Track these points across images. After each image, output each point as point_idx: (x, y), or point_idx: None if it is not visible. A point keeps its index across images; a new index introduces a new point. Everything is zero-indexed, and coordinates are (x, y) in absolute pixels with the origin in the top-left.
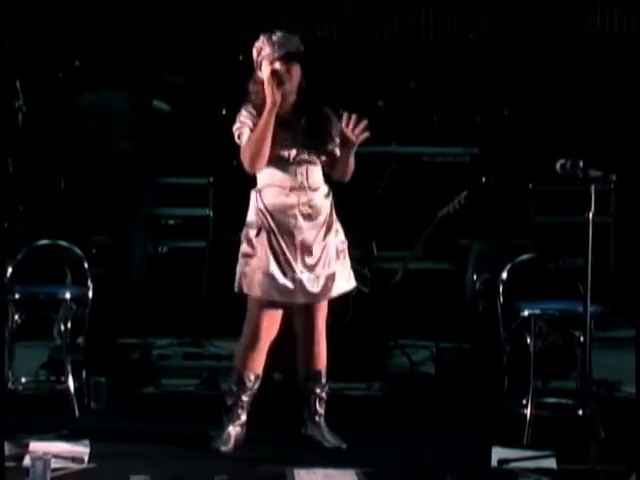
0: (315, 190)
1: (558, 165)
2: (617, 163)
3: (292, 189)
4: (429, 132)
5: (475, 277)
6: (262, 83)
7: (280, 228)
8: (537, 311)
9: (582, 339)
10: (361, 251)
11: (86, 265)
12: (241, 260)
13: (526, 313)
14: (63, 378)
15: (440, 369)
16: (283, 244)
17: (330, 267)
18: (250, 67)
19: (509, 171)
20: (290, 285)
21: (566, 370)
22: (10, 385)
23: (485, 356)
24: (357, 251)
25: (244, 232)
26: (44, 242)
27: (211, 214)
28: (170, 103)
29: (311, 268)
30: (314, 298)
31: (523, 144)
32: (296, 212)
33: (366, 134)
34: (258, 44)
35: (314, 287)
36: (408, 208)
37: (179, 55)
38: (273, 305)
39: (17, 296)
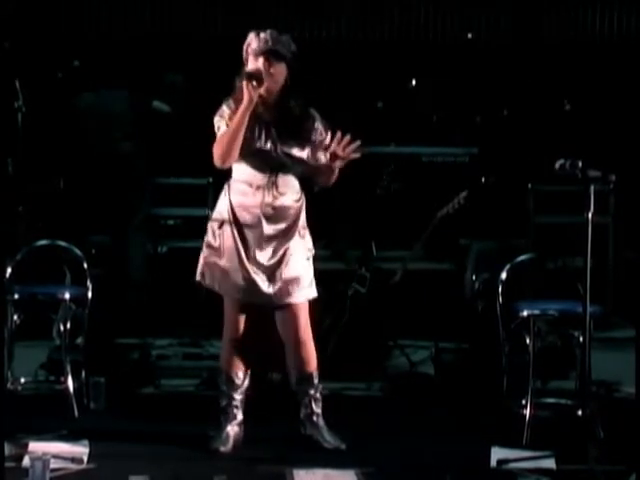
0: (282, 193)
1: (557, 165)
2: (616, 163)
3: (258, 187)
4: (428, 132)
5: (474, 277)
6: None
7: (240, 225)
8: (536, 311)
9: (581, 339)
10: (360, 251)
11: (85, 265)
12: (204, 249)
13: (525, 313)
14: (62, 378)
15: (439, 369)
16: (239, 242)
17: (290, 271)
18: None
19: (509, 171)
20: (242, 282)
21: (565, 370)
22: (9, 385)
23: (484, 356)
24: (356, 251)
25: (210, 223)
26: (43, 242)
27: (211, 214)
28: (170, 103)
29: (266, 269)
30: (269, 300)
31: (522, 144)
32: (258, 211)
33: (356, 155)
34: (247, 39)
35: (269, 288)
36: (408, 208)
37: (179, 55)
38: (241, 303)
39: (16, 296)
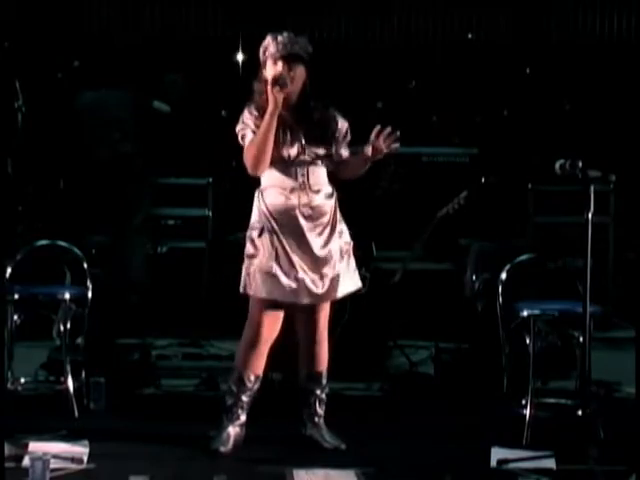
0: (316, 191)
1: (557, 165)
2: (616, 163)
3: (293, 190)
4: (429, 132)
5: (474, 277)
6: (266, 82)
7: (282, 229)
8: (536, 311)
9: (581, 339)
10: (360, 251)
11: (85, 265)
12: (246, 261)
13: (525, 313)
14: (62, 378)
15: (439, 369)
16: (286, 244)
17: (335, 268)
18: (249, 67)
19: (508, 171)
20: (293, 285)
21: (565, 370)
22: (9, 385)
23: (484, 356)
24: (356, 251)
25: (248, 233)
26: (43, 242)
27: (210, 214)
28: (170, 103)
29: (314, 269)
30: (318, 299)
31: (522, 144)
32: (297, 213)
33: (396, 145)
34: (264, 43)
35: (318, 288)
36: (408, 208)
37: (179, 55)
38: (275, 305)
39: (16, 296)
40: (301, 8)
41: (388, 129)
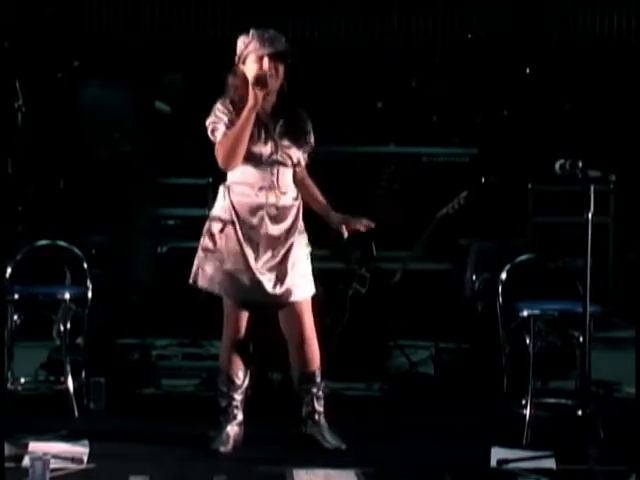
0: (284, 192)
1: (557, 165)
2: (616, 163)
3: (261, 189)
4: (428, 132)
5: (474, 277)
6: (243, 77)
7: (244, 227)
8: (536, 311)
9: (581, 339)
10: (360, 251)
11: (85, 265)
12: (200, 253)
13: (525, 313)
14: (62, 378)
15: (439, 369)
16: (245, 243)
17: (294, 270)
18: None
19: (508, 171)
20: (247, 284)
21: (565, 370)
22: (9, 385)
23: (484, 356)
24: (356, 251)
25: (207, 226)
26: (43, 242)
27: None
28: (170, 103)
29: (272, 269)
30: (276, 299)
31: (522, 144)
32: (263, 213)
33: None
34: (245, 38)
35: (275, 289)
36: (408, 208)
37: (179, 55)
38: (244, 303)
39: (16, 296)
40: (301, 8)
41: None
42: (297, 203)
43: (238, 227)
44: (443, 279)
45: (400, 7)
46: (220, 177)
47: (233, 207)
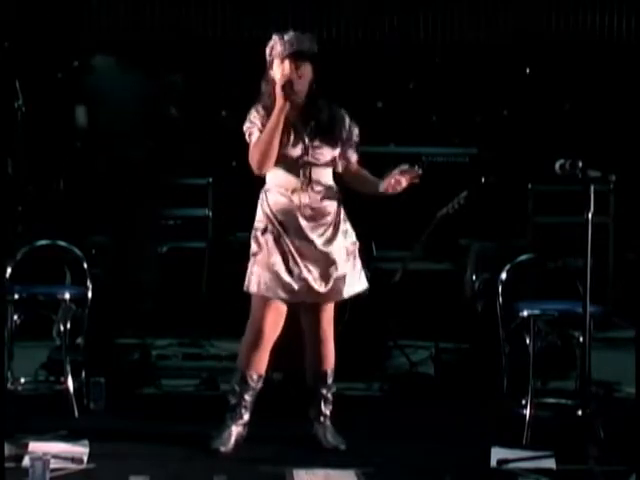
0: (318, 192)
1: (557, 165)
2: (616, 163)
3: (294, 191)
4: (428, 132)
5: (474, 277)
6: (273, 82)
7: (284, 228)
8: (536, 311)
9: (581, 339)
10: (360, 251)
11: (85, 265)
12: (250, 259)
13: (525, 313)
14: (62, 378)
15: (439, 369)
16: (289, 243)
17: (339, 268)
18: (249, 67)
19: (508, 171)
20: (295, 284)
21: (565, 370)
22: (9, 385)
23: (484, 356)
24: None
25: (252, 232)
26: (43, 242)
27: (210, 214)
28: (170, 103)
29: (317, 268)
30: (322, 298)
31: (522, 144)
32: (297, 214)
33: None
34: (270, 43)
35: (321, 287)
36: (408, 208)
37: (179, 55)
38: (277, 304)
39: (16, 296)
40: (301, 8)
41: (415, 169)
42: (335, 202)
43: (278, 229)
44: (443, 279)
45: (400, 7)
46: (220, 177)
47: (271, 210)
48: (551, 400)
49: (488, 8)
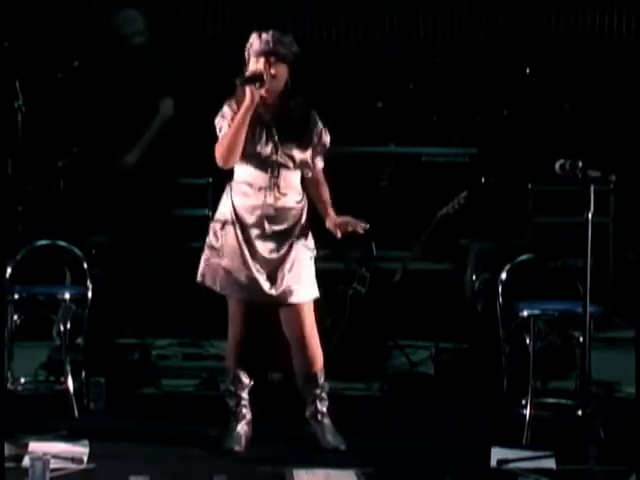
0: (284, 194)
1: (557, 165)
2: (616, 163)
3: (260, 189)
4: (428, 132)
5: (474, 277)
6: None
7: (243, 226)
8: (536, 311)
9: (582, 339)
10: (360, 251)
11: (85, 265)
12: (206, 250)
13: (525, 313)
14: (62, 378)
15: (439, 369)
16: (243, 242)
17: (293, 272)
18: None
19: (508, 171)
20: (245, 282)
21: (565, 370)
22: (9, 385)
23: (484, 356)
24: (356, 251)
25: (212, 224)
26: (43, 242)
27: (210, 214)
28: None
29: (269, 269)
30: (273, 300)
31: (522, 144)
32: (260, 213)
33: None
34: (249, 40)
35: (271, 289)
36: (407, 208)
37: (180, 55)
38: (247, 303)
39: (16, 296)
40: (301, 8)
41: (363, 225)
42: (300, 205)
43: (237, 226)
44: (443, 279)
45: (400, 7)
46: (221, 177)
47: (233, 206)
48: (551, 400)
49: (488, 8)
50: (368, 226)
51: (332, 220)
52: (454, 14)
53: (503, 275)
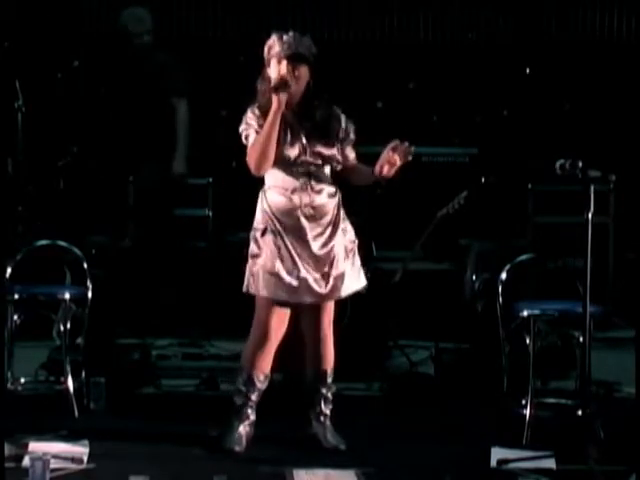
0: (318, 192)
1: (557, 165)
2: (616, 163)
3: (294, 190)
4: (428, 132)
5: (474, 277)
6: (269, 82)
7: (284, 228)
8: (536, 311)
9: (581, 339)
10: (360, 251)
11: (85, 265)
12: (250, 261)
13: (525, 313)
14: (62, 378)
15: (439, 369)
16: (288, 244)
17: (338, 267)
18: (250, 68)
19: (508, 171)
20: (295, 284)
21: (565, 370)
22: (9, 385)
23: (484, 356)
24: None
25: (252, 233)
26: (43, 242)
27: (211, 214)
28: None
29: (317, 268)
30: (322, 298)
31: (522, 144)
32: (298, 213)
33: (409, 157)
34: (269, 42)
35: (321, 287)
36: (408, 208)
37: (179, 55)
38: (281, 305)
39: (16, 296)
40: (301, 8)
41: (405, 144)
42: (335, 200)
43: (278, 229)
44: (443, 279)
45: (400, 7)
46: (221, 177)
47: (271, 211)
48: (551, 400)
49: (488, 8)
50: (413, 148)
51: (380, 161)
52: (454, 14)
53: (503, 275)
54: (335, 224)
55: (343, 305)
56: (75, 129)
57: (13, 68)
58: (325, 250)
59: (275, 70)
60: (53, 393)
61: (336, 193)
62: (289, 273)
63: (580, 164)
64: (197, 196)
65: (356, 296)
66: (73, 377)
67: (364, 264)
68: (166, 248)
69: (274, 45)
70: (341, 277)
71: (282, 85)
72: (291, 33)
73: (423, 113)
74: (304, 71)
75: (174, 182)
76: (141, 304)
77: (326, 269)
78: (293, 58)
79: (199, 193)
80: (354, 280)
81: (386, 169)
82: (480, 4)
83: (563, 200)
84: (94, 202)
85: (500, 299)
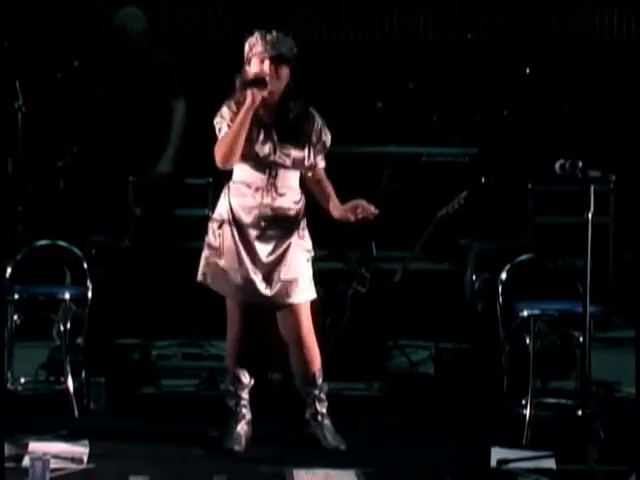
0: (282, 194)
1: (557, 165)
2: (616, 163)
3: (258, 189)
4: (428, 132)
5: (474, 277)
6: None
7: (240, 226)
8: (536, 311)
9: (581, 339)
10: (360, 251)
11: (85, 265)
12: (205, 249)
13: (525, 313)
14: (62, 378)
15: (439, 369)
16: (240, 242)
17: (289, 273)
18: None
19: (508, 171)
20: (241, 283)
21: (565, 370)
22: (9, 385)
23: (484, 356)
24: (356, 251)
25: (210, 223)
26: (43, 242)
27: (210, 214)
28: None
29: (265, 270)
30: (268, 301)
31: (522, 144)
32: (257, 213)
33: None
34: (252, 40)
35: (267, 290)
36: (407, 208)
37: (179, 56)
38: (246, 303)
39: (16, 296)
40: (301, 8)
41: (372, 209)
42: (298, 206)
43: (234, 226)
44: (443, 279)
45: (400, 7)
46: (220, 177)
47: (231, 206)
48: (551, 400)
49: (488, 8)
50: (377, 211)
51: (341, 209)
52: (454, 14)
53: (503, 275)
54: (292, 230)
55: (343, 304)
56: (75, 129)
57: (13, 68)
58: (277, 253)
59: (257, 69)
60: (53, 393)
61: (300, 200)
62: (237, 271)
63: (580, 164)
64: (197, 196)
65: (356, 296)
66: (73, 377)
67: (364, 264)
68: (166, 248)
69: (256, 44)
70: (293, 282)
71: (259, 83)
72: (274, 33)
73: (423, 113)
74: (286, 72)
75: (174, 182)
76: (141, 304)
77: (275, 273)
78: (277, 59)
79: (199, 193)
80: (306, 289)
81: (341, 217)
82: (480, 4)
83: (563, 200)
84: (94, 202)
85: (500, 299)
